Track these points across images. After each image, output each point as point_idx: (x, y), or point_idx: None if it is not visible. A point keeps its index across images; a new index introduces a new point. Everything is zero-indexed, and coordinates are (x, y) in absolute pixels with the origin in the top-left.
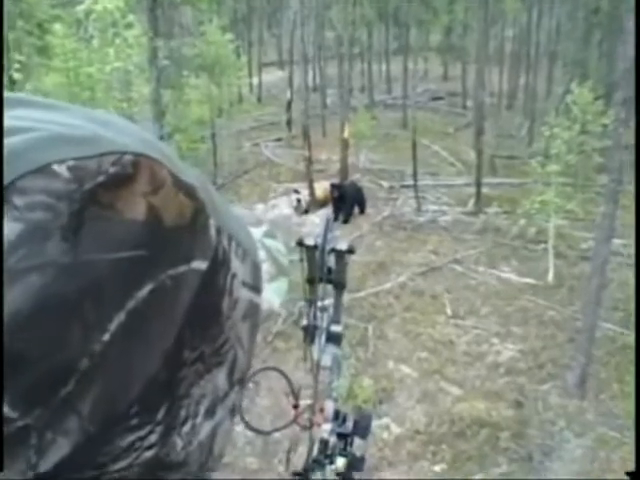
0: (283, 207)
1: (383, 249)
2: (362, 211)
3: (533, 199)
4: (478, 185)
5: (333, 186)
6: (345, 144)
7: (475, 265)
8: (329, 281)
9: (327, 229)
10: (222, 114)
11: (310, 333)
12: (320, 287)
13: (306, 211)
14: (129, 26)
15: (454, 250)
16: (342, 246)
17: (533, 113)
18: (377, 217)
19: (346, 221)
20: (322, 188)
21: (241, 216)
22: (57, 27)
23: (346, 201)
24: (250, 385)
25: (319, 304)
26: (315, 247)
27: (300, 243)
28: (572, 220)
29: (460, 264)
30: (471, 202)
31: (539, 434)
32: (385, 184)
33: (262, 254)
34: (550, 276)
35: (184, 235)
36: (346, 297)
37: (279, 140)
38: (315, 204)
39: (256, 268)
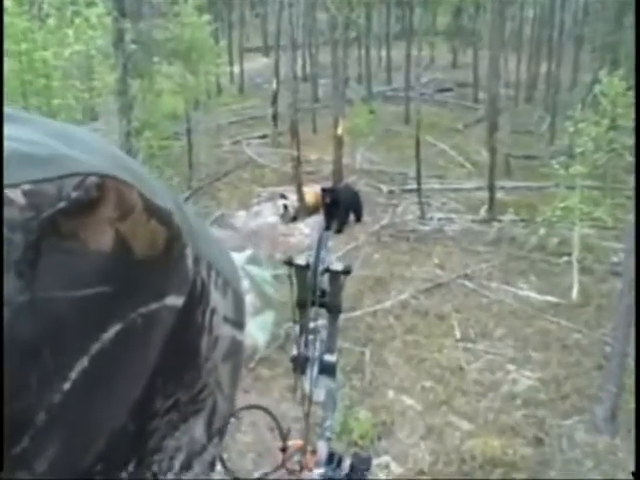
0: (268, 214)
1: (382, 262)
2: (358, 219)
3: (555, 205)
4: (491, 189)
5: (325, 190)
6: (339, 142)
7: (487, 281)
8: (322, 305)
9: (320, 246)
10: (198, 107)
11: (301, 364)
12: (312, 311)
13: (294, 219)
14: (91, 4)
15: (463, 264)
16: (337, 266)
17: (555, 106)
18: (375, 226)
19: (340, 230)
20: (312, 193)
21: (221, 240)
22: (6, 3)
23: (340, 207)
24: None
25: (311, 329)
26: (306, 267)
27: (289, 262)
28: (600, 229)
29: (470, 280)
30: (483, 209)
31: (563, 476)
32: (384, 188)
33: (245, 284)
34: (574, 294)
35: (157, 267)
36: (340, 317)
37: (263, 137)
38: (304, 211)
39: (239, 300)
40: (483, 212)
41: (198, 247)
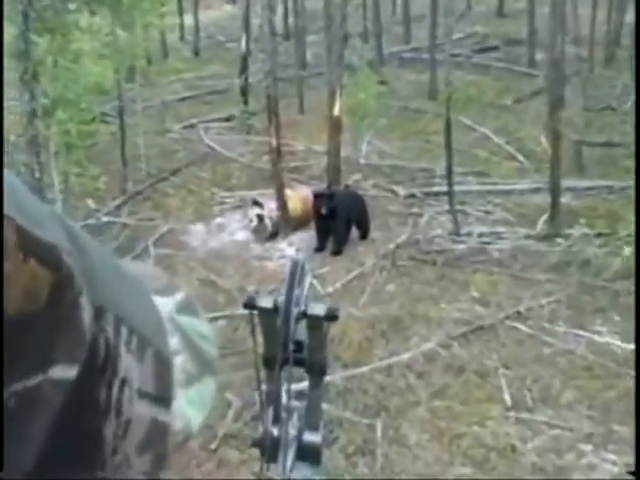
0: (235, 230)
1: (398, 297)
2: (364, 235)
3: None
4: (555, 191)
5: (317, 196)
6: (336, 126)
7: (550, 322)
8: (299, 363)
9: (294, 280)
10: (135, 77)
11: (269, 448)
12: (285, 373)
13: (273, 235)
14: None
15: (515, 298)
16: (318, 309)
17: None
18: (388, 244)
19: (338, 251)
20: (299, 198)
21: (139, 277)
22: None
23: (338, 219)
24: None
25: (285, 393)
26: (275, 310)
27: (250, 304)
28: None
29: (525, 321)
30: (543, 219)
31: None
32: (401, 191)
33: (174, 342)
34: None
35: (38, 325)
36: (340, 375)
37: (229, 120)
38: (287, 224)
39: (163, 366)
40: (543, 224)
41: (101, 293)
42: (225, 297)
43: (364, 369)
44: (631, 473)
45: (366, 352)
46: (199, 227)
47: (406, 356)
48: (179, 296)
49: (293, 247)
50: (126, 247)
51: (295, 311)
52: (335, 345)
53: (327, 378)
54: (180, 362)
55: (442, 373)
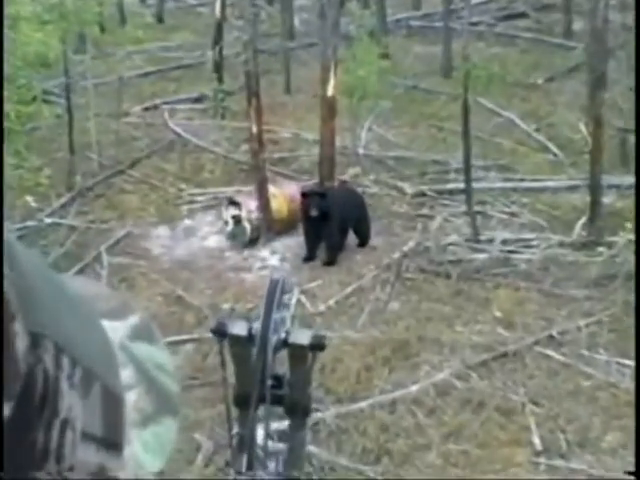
0: (207, 234)
1: (405, 316)
2: (363, 242)
3: None
4: (595, 189)
5: (307, 194)
6: (330, 109)
7: (589, 349)
8: (278, 401)
9: (273, 302)
10: (85, 47)
11: None
12: (261, 413)
13: (253, 241)
14: None
15: (546, 318)
16: (301, 337)
17: None
18: (393, 253)
19: (331, 261)
20: (285, 197)
21: (85, 297)
22: None
23: (331, 222)
24: None
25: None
26: (249, 339)
27: (220, 331)
28: None
29: (559, 347)
30: (580, 223)
31: None
32: (409, 188)
33: (127, 374)
34: None
35: None
36: (333, 412)
37: (200, 101)
38: (271, 228)
39: (113, 404)
40: (580, 229)
41: (38, 318)
42: (194, 316)
43: (362, 404)
44: (631, 473)
45: (365, 384)
46: (163, 231)
47: (414, 389)
48: (133, 320)
49: (277, 256)
50: (73, 255)
51: (274, 339)
52: (327, 375)
53: (318, 415)
54: (134, 399)
55: (457, 410)
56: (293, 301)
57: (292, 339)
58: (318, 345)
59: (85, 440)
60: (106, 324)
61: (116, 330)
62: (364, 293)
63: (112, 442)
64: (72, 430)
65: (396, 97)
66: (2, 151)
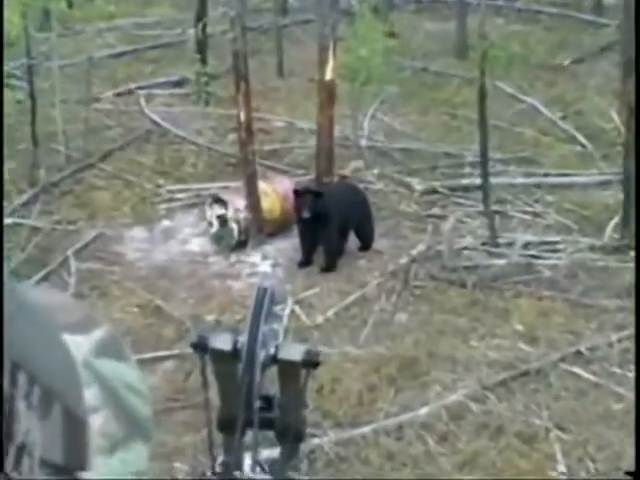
0: (189, 237)
1: (413, 330)
2: (366, 245)
3: None
4: (629, 186)
5: (301, 193)
6: (329, 94)
7: (621, 367)
8: (267, 425)
9: (261, 313)
10: (50, 24)
11: None
12: (248, 439)
13: (241, 244)
14: None
15: (574, 332)
16: (292, 352)
17: None
18: (400, 258)
19: (330, 267)
20: (277, 194)
21: (45, 309)
22: None
23: (330, 223)
24: None
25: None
26: (234, 354)
27: (201, 345)
28: None
29: (588, 364)
30: (612, 224)
31: None
32: (418, 185)
33: (92, 395)
34: None
35: None
36: (331, 438)
37: (180, 85)
38: (261, 229)
39: (75, 428)
40: (612, 231)
41: None
42: (174, 330)
43: (365, 430)
44: (630, 473)
45: (368, 406)
46: (139, 233)
47: (423, 412)
48: (99, 333)
49: (268, 261)
50: (36, 260)
51: (262, 354)
52: (325, 397)
53: (314, 441)
54: (99, 422)
55: (473, 436)
56: (286, 312)
57: (282, 354)
58: (311, 361)
59: (44, 468)
60: (68, 338)
61: (79, 345)
62: (367, 303)
63: (74, 470)
64: (29, 456)
65: (404, 81)
66: (2, 151)
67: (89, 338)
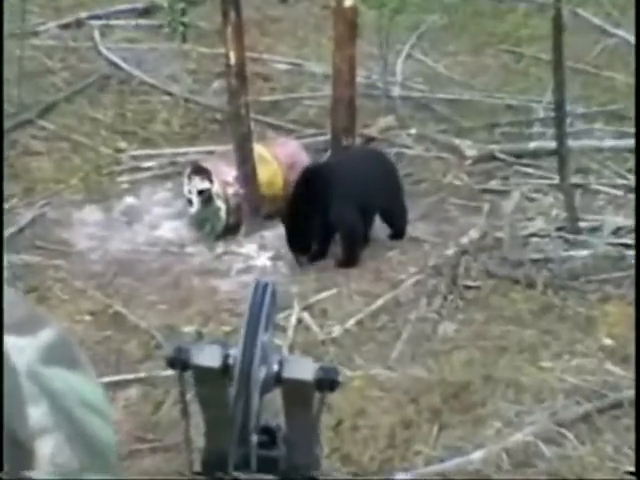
0: (160, 219)
1: (464, 345)
2: (398, 232)
3: None
4: None
5: (311, 171)
6: (348, 26)
7: None
8: (269, 467)
9: (259, 317)
10: None
11: None
12: None
13: (231, 229)
14: None
15: None
16: (303, 370)
17: None
18: (445, 248)
19: (350, 262)
20: (278, 161)
21: None
22: None
23: (348, 203)
24: None
25: None
26: (224, 371)
27: (180, 361)
28: None
29: None
30: None
31: None
32: (469, 149)
33: (39, 414)
34: None
35: None
36: None
37: (147, 14)
38: (257, 209)
39: (17, 455)
40: None
41: None
42: (140, 345)
43: (402, 478)
44: (631, 473)
45: (402, 449)
46: (92, 214)
47: (477, 457)
48: (47, 335)
49: (267, 253)
50: None
51: (261, 373)
52: (345, 435)
53: None
54: (49, 449)
55: None
56: (291, 321)
57: (288, 373)
58: (328, 381)
59: None
60: (9, 341)
61: (23, 350)
62: (401, 310)
63: None
64: None
65: (449, 7)
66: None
67: (35, 341)
